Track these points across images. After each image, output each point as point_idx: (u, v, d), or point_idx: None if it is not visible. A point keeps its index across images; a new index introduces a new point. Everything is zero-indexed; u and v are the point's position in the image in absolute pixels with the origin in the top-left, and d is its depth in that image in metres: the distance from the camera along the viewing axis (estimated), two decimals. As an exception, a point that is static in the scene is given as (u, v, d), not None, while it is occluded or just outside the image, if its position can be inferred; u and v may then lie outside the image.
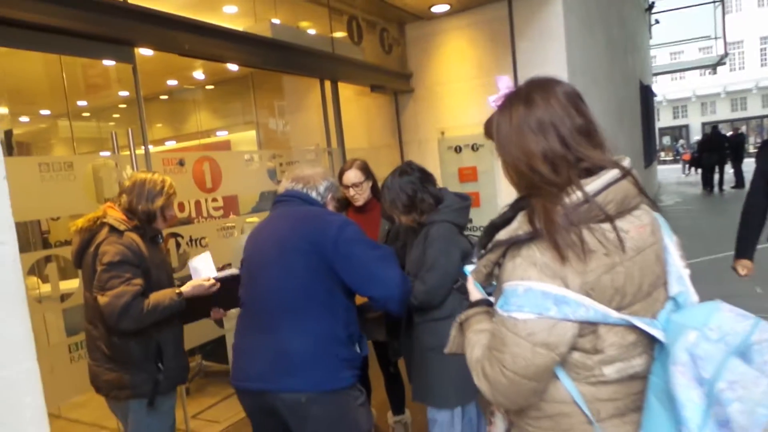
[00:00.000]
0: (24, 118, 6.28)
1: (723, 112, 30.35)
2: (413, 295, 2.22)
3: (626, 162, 1.13)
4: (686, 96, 31.62)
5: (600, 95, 6.85)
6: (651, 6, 15.37)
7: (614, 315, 1.05)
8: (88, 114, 6.74)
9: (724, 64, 18.28)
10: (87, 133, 6.62)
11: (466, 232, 2.50)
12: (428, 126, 5.92)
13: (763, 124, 29.19)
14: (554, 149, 1.09)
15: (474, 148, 5.65)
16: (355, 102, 5.90)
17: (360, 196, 2.96)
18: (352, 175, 2.95)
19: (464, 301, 2.47)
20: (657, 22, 16.87)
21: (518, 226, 1.11)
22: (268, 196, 4.96)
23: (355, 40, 5.20)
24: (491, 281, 1.24)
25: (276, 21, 4.49)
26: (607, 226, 1.06)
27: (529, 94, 1.14)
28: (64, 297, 2.79)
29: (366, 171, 3.00)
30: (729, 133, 17.01)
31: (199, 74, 6.54)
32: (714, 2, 17.45)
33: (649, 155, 13.67)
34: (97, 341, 2.25)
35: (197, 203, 5.36)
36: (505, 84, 1.23)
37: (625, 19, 10.08)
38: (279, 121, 7.12)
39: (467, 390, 2.30)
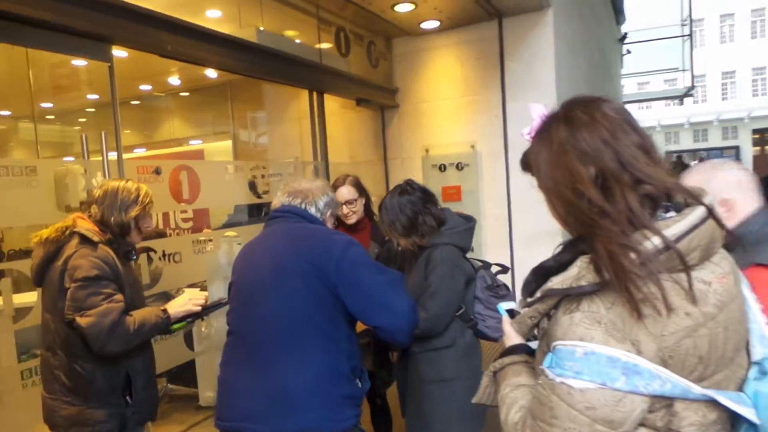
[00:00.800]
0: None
1: (686, 142, 31.42)
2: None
3: (707, 196, 0.93)
4: (651, 125, 32.64)
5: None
6: (624, 36, 15.80)
7: (696, 390, 0.86)
8: (52, 117, 6.38)
9: (692, 95, 18.88)
10: (52, 136, 6.25)
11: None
12: (412, 143, 5.78)
13: (722, 155, 30.34)
14: (606, 168, 0.91)
15: (459, 167, 5.54)
16: (339, 116, 5.73)
17: (353, 214, 2.80)
18: (346, 192, 2.78)
19: (467, 329, 2.35)
20: (629, 52, 17.34)
21: (579, 273, 0.91)
22: (243, 209, 4.73)
23: (342, 52, 5.05)
24: (534, 334, 1.06)
25: (262, 28, 4.30)
26: (685, 277, 0.86)
27: (569, 112, 0.97)
28: (17, 315, 2.49)
29: (359, 188, 2.85)
30: (693, 162, 17.57)
31: (174, 80, 6.27)
32: (682, 36, 18.09)
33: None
34: (55, 370, 1.97)
35: (165, 215, 5.09)
36: (538, 112, 1.07)
37: (603, 48, 10.25)
38: (257, 133, 6.89)
39: (470, 427, 2.17)
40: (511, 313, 1.22)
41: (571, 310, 0.89)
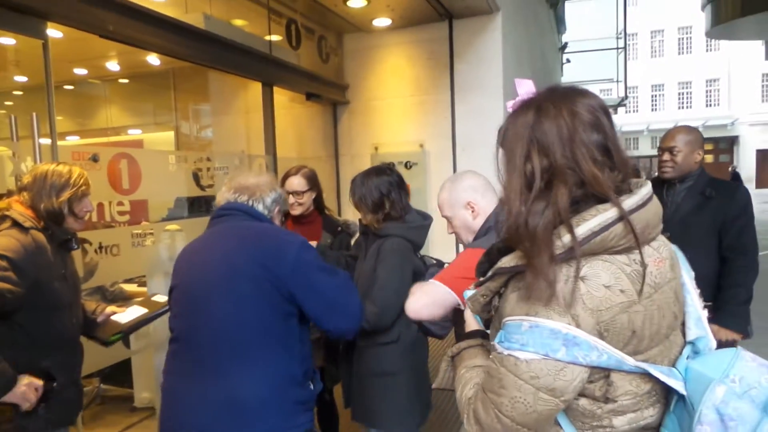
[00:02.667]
0: None
1: (618, 150, 33.14)
2: (365, 318, 1.96)
3: (645, 189, 0.98)
4: (587, 133, 34.00)
5: (526, 124, 7.08)
6: (564, 46, 16.42)
7: (630, 362, 0.93)
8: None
9: (624, 105, 19.89)
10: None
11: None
12: (362, 140, 5.77)
13: (651, 163, 32.20)
14: (556, 164, 0.95)
15: (407, 165, 5.57)
16: (288, 110, 5.63)
17: (299, 205, 2.75)
18: (296, 182, 2.74)
19: (412, 324, 2.31)
20: (568, 61, 18.03)
21: (522, 254, 0.96)
22: (185, 203, 4.55)
23: (293, 45, 4.97)
24: (489, 312, 1.09)
25: (209, 14, 4.16)
26: (623, 258, 0.93)
27: (542, 102, 1.01)
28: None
29: (312, 181, 2.80)
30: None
31: (113, 65, 5.96)
32: (617, 49, 19.03)
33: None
34: None
35: (99, 206, 4.83)
36: (525, 89, 1.09)
37: (545, 56, 10.62)
38: (200, 124, 6.66)
39: (412, 414, 2.23)
40: None
41: (518, 287, 0.95)
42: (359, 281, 2.21)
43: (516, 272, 0.96)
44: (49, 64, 2.68)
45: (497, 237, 1.62)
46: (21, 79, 5.36)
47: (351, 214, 5.77)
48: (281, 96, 5.16)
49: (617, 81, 19.29)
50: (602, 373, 0.93)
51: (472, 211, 1.76)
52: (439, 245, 5.48)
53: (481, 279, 1.05)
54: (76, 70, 5.91)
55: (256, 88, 4.81)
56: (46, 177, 1.90)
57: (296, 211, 2.75)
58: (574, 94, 1.01)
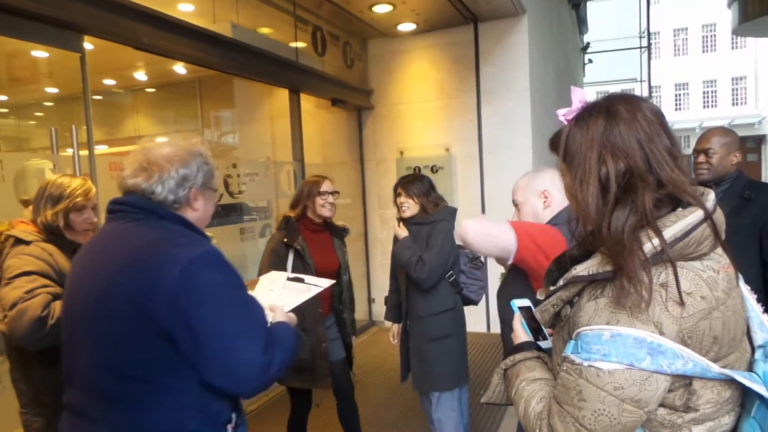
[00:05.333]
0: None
1: (641, 151, 32.62)
2: (414, 269, 2.60)
3: (711, 194, 0.99)
4: (609, 133, 33.50)
5: (551, 126, 6.99)
6: (587, 46, 16.23)
7: (715, 369, 0.91)
8: (9, 109, 6.06)
9: (648, 105, 19.56)
10: (8, 131, 5.93)
11: None
12: (387, 145, 5.77)
13: (675, 164, 31.69)
14: (635, 167, 0.95)
15: (433, 169, 5.55)
16: (313, 116, 5.66)
17: (333, 207, 2.75)
18: (330, 185, 2.74)
19: (456, 295, 2.75)
20: (590, 61, 17.83)
21: (602, 259, 0.95)
22: (217, 210, 4.59)
23: (318, 52, 4.99)
24: (558, 323, 1.06)
25: (237, 23, 4.20)
26: (698, 264, 0.93)
27: (611, 105, 1.00)
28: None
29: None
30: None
31: (140, 75, 6.06)
32: (640, 48, 18.75)
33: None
34: (17, 383, 1.85)
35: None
36: (579, 97, 1.08)
37: (567, 57, 10.50)
38: (226, 131, 6.73)
39: (464, 372, 2.77)
40: (526, 310, 1.21)
41: (596, 296, 0.93)
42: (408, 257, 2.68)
43: (593, 280, 0.94)
44: (86, 76, 2.74)
45: (568, 242, 1.61)
46: (57, 91, 5.47)
47: (377, 218, 5.75)
48: (307, 102, 5.19)
49: (641, 81, 19.01)
50: (683, 381, 0.91)
51: (545, 201, 1.77)
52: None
53: (552, 288, 1.03)
54: (104, 80, 6.02)
55: (281, 95, 4.85)
56: (45, 189, 1.90)
57: (329, 213, 2.74)
58: (637, 98, 1.02)
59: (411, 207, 2.75)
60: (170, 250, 1.20)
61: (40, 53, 4.17)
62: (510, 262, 1.64)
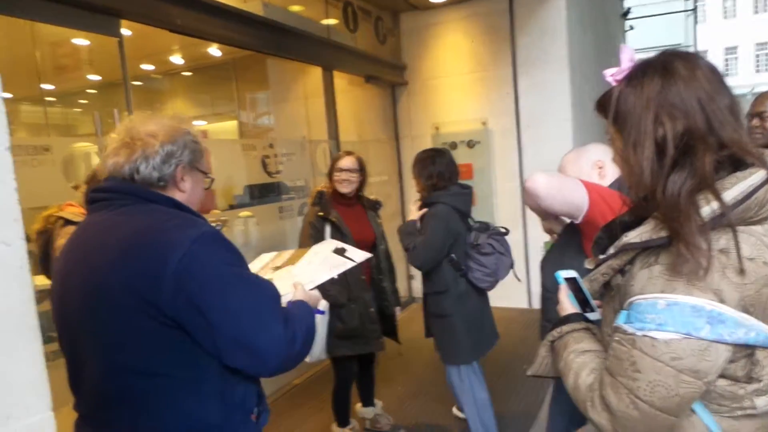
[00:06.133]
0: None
1: (687, 120, 31.31)
2: (410, 256, 2.69)
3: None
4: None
5: (591, 95, 6.76)
6: (627, 12, 15.56)
7: None
8: (57, 97, 6.26)
9: (695, 71, 18.70)
10: (56, 118, 6.14)
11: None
12: (422, 121, 5.70)
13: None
14: (695, 128, 0.89)
15: (470, 144, 5.46)
16: (347, 93, 5.63)
17: (350, 183, 2.83)
18: (349, 161, 2.84)
19: (459, 278, 2.72)
20: (632, 28, 17.09)
21: (656, 225, 0.91)
22: (252, 190, 4.66)
23: (350, 28, 4.94)
24: (607, 293, 1.03)
25: (267, 2, 4.19)
26: (759, 228, 0.87)
27: (668, 63, 0.94)
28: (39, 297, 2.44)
29: (362, 165, 2.90)
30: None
31: (177, 59, 6.15)
32: (686, 12, 17.86)
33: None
34: None
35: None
36: (629, 55, 1.02)
37: (608, 23, 10.09)
38: (262, 112, 6.78)
39: (465, 350, 2.74)
40: (572, 281, 1.18)
41: (650, 263, 0.89)
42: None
43: (647, 247, 0.90)
44: (125, 60, 2.79)
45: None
46: (97, 77, 5.60)
47: (414, 196, 5.72)
48: (340, 80, 5.16)
49: (686, 46, 18.15)
50: (746, 351, 0.87)
51: (600, 171, 1.70)
52: (504, 225, 5.35)
53: (602, 256, 0.99)
54: (143, 65, 6.13)
55: (315, 74, 4.83)
56: (95, 173, 1.93)
57: (345, 189, 2.81)
58: (695, 55, 0.96)
59: (419, 186, 2.80)
60: (167, 234, 1.11)
61: (81, 41, 4.28)
62: (579, 221, 1.58)
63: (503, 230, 2.85)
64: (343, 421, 3.04)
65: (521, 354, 4.14)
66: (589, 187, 1.56)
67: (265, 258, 1.78)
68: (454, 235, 2.67)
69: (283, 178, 4.26)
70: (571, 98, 5.01)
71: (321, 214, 2.71)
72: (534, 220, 5.25)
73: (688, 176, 0.88)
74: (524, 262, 5.13)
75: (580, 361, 1.03)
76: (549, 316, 1.73)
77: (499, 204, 5.40)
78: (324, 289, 2.10)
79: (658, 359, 0.85)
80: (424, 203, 2.73)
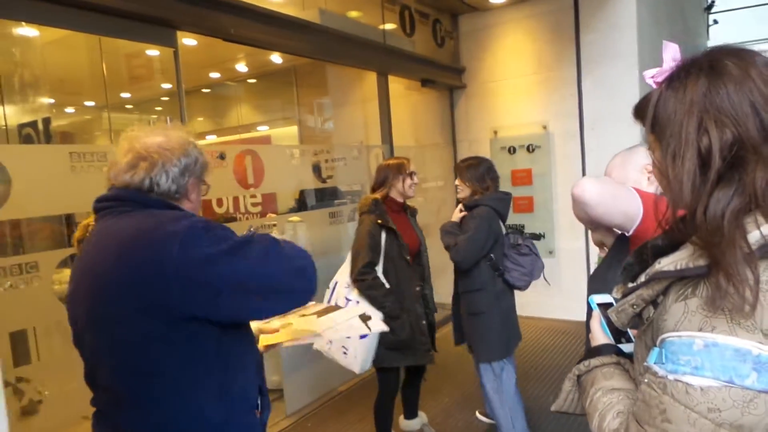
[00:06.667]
0: (68, 109, 6.22)
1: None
2: (451, 253, 2.77)
3: None
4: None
5: (665, 96, 6.36)
6: (711, 5, 14.56)
7: None
8: (130, 106, 6.63)
9: (789, 67, 17.21)
10: (126, 125, 6.50)
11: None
12: (480, 125, 5.56)
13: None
14: (747, 137, 0.75)
15: (529, 149, 5.26)
16: (404, 98, 5.59)
17: (416, 188, 2.87)
18: (412, 165, 2.85)
19: (497, 277, 2.81)
20: (716, 22, 16.00)
21: (694, 251, 0.77)
22: (306, 195, 4.71)
23: (407, 32, 4.89)
24: (633, 326, 0.91)
25: (324, 9, 4.22)
26: None
27: (716, 61, 0.80)
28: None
29: None
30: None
31: (241, 67, 6.36)
32: (778, 2, 16.48)
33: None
34: None
35: (235, 199, 5.19)
36: (672, 54, 0.89)
37: (686, 18, 9.46)
38: (321, 117, 6.88)
39: (500, 347, 2.85)
40: (606, 307, 1.06)
41: (686, 295, 0.76)
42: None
43: (682, 277, 0.78)
44: (179, 70, 2.87)
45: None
46: (166, 86, 5.88)
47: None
48: (397, 84, 5.13)
49: (779, 39, 16.75)
50: None
51: (649, 178, 1.54)
52: (565, 232, 5.12)
53: (632, 285, 0.87)
54: (210, 74, 6.39)
55: (372, 78, 4.82)
56: None
57: (413, 193, 2.85)
58: (749, 52, 0.81)
59: (463, 190, 2.91)
60: (163, 228, 1.14)
61: (151, 51, 4.50)
62: (631, 233, 1.43)
63: (538, 234, 3.17)
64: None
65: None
66: (644, 196, 1.40)
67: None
68: (494, 236, 2.80)
69: (336, 182, 4.27)
70: (640, 97, 4.71)
71: (380, 222, 2.68)
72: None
73: (735, 194, 0.74)
74: (586, 271, 4.87)
75: (607, 401, 0.91)
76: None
77: (559, 210, 5.15)
78: (379, 301, 2.56)
79: (693, 409, 0.72)
80: (467, 206, 2.85)
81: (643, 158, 1.60)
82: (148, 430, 1.18)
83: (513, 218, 5.36)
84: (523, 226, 5.32)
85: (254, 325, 1.55)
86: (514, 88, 5.34)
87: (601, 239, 1.75)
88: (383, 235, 2.67)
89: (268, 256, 1.18)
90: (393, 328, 2.60)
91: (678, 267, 0.78)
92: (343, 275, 2.74)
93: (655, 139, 0.86)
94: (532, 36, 5.20)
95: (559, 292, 5.16)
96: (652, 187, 1.56)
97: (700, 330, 0.73)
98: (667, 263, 0.80)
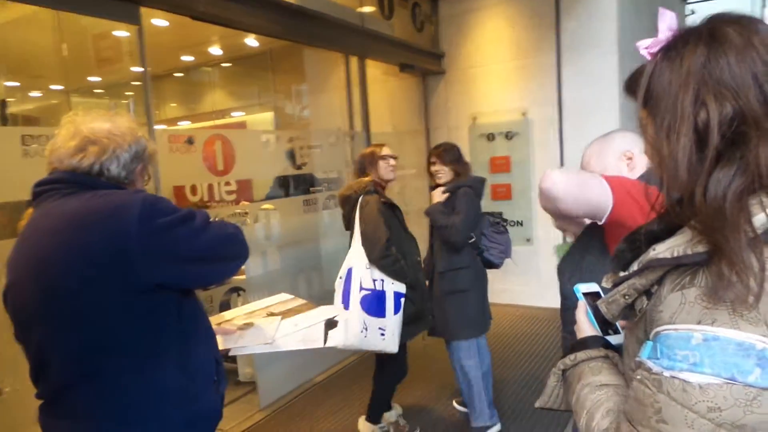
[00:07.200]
0: (28, 92, 5.95)
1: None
2: (450, 233, 2.86)
3: None
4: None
5: (643, 84, 6.36)
6: (688, -5, 14.70)
7: None
8: (97, 90, 6.39)
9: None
10: (90, 110, 6.25)
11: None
12: (459, 111, 5.48)
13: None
14: (748, 109, 0.68)
15: (508, 136, 5.21)
16: (382, 83, 5.48)
17: (394, 170, 2.89)
18: (390, 150, 2.90)
19: (476, 256, 2.90)
20: (693, 12, 16.19)
21: (693, 237, 0.71)
22: (280, 182, 4.59)
23: (385, 15, 4.77)
24: (630, 316, 0.84)
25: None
26: None
27: (717, 29, 0.73)
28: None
29: None
30: None
31: (215, 50, 6.16)
32: (753, -6, 16.74)
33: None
34: None
35: (209, 186, 5.04)
36: (669, 23, 0.81)
37: (666, 8, 9.50)
38: (298, 103, 6.73)
39: (478, 324, 3.01)
40: (593, 296, 0.99)
41: (683, 285, 0.70)
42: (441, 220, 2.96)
43: (679, 264, 0.72)
44: (144, 49, 2.72)
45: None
46: (127, 68, 5.67)
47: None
48: (375, 69, 5.01)
49: (753, 31, 17.04)
50: None
51: (629, 162, 1.50)
52: (543, 220, 5.10)
53: (624, 274, 0.81)
54: (182, 57, 6.17)
55: (350, 64, 4.70)
56: None
57: (392, 175, 2.88)
58: (752, 19, 0.74)
59: (445, 174, 2.98)
60: (115, 202, 1.15)
61: (119, 33, 4.30)
62: (603, 221, 1.37)
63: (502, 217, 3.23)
64: (376, 418, 2.94)
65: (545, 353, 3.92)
66: (614, 183, 1.33)
67: (274, 299, 1.97)
68: (478, 216, 2.95)
69: (312, 169, 4.16)
70: (619, 87, 4.68)
71: (384, 200, 2.73)
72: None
73: (737, 173, 0.68)
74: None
75: (595, 398, 0.85)
76: (570, 328, 1.54)
77: (537, 198, 5.12)
78: (405, 273, 2.67)
79: (691, 409, 0.67)
80: (449, 189, 2.93)
81: (621, 144, 1.54)
82: (109, 409, 1.16)
83: (491, 205, 5.32)
84: (501, 214, 5.28)
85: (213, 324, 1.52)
86: (494, 74, 5.28)
87: (563, 226, 1.68)
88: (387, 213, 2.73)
89: (209, 225, 1.24)
90: (412, 299, 2.68)
91: (675, 254, 0.71)
92: (357, 259, 2.62)
93: (648, 114, 0.79)
94: (513, 22, 5.12)
95: (537, 280, 5.15)
96: (633, 173, 1.51)
97: (699, 323, 0.67)
98: (662, 250, 0.74)
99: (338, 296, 2.58)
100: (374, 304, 2.51)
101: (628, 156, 1.51)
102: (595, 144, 1.61)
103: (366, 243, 2.60)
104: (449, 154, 3.00)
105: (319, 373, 3.93)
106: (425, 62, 5.25)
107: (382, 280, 2.58)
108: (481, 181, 3.05)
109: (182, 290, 1.24)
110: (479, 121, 5.37)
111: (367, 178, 2.78)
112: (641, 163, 1.50)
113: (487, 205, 5.29)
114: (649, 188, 1.27)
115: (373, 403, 2.91)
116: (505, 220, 3.17)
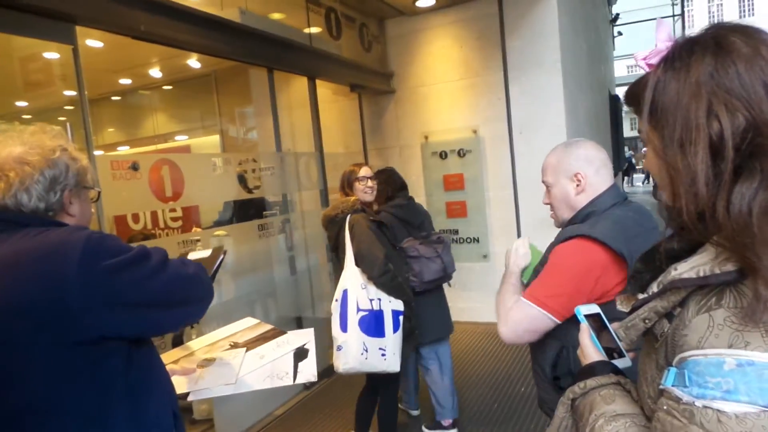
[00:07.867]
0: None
1: (677, 125, 31.41)
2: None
3: None
4: (642, 108, 32.22)
5: (584, 101, 6.59)
6: (616, 18, 15.55)
7: None
8: (27, 116, 6.00)
9: (684, 76, 18.78)
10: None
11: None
12: (411, 130, 5.49)
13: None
14: (761, 120, 0.66)
15: (460, 153, 5.25)
16: (332, 103, 5.42)
17: (372, 191, 2.85)
18: (367, 171, 2.86)
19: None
20: (620, 33, 17.11)
21: (718, 254, 0.67)
22: (231, 207, 4.41)
23: (333, 35, 4.73)
24: (647, 341, 0.79)
25: (245, 9, 3.97)
26: None
27: (722, 38, 0.70)
28: None
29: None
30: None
31: (155, 72, 5.92)
32: (673, 17, 17.92)
33: (618, 164, 13.71)
34: None
35: (153, 214, 4.78)
36: (666, 33, 0.79)
37: (598, 28, 9.98)
38: (245, 126, 6.55)
39: (447, 327, 3.16)
40: (594, 318, 0.94)
41: (709, 306, 0.66)
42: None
43: (705, 284, 0.67)
44: (80, 69, 2.54)
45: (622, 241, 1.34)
46: (61, 92, 5.37)
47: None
48: (326, 89, 4.94)
49: (675, 51, 18.23)
50: None
51: (578, 185, 1.53)
52: (498, 235, 5.13)
53: (643, 296, 0.76)
54: (121, 80, 5.90)
55: (299, 84, 4.62)
56: None
57: (369, 197, 2.83)
58: (753, 29, 0.72)
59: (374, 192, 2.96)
60: (52, 242, 1.01)
61: (51, 55, 4.04)
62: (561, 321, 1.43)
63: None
64: None
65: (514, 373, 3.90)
66: (545, 301, 1.42)
67: (240, 326, 1.82)
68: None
69: (263, 193, 4.01)
70: (564, 103, 4.81)
71: (372, 218, 2.70)
72: (530, 230, 5.06)
73: (761, 187, 0.64)
74: (521, 275, 4.90)
75: (612, 430, 0.79)
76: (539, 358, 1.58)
77: (492, 214, 5.17)
78: (404, 288, 2.62)
79: None
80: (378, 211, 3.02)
81: (575, 164, 1.54)
82: None
83: (447, 223, 5.31)
84: (456, 231, 5.29)
85: (169, 365, 1.40)
86: (444, 93, 5.32)
87: None
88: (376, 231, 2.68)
89: (166, 264, 1.12)
90: (408, 316, 2.62)
91: (701, 273, 0.67)
92: (351, 280, 2.52)
93: (653, 128, 0.74)
94: (460, 41, 5.20)
95: (494, 296, 5.15)
96: (579, 197, 1.53)
97: (731, 347, 0.62)
98: (685, 269, 0.69)
99: (335, 319, 2.46)
100: (373, 324, 2.43)
101: (578, 178, 1.53)
102: (553, 155, 1.61)
103: (363, 262, 2.51)
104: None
105: (279, 406, 3.74)
106: (375, 82, 5.24)
107: (379, 300, 2.49)
108: (402, 205, 3.12)
109: (134, 339, 1.10)
110: (431, 140, 5.38)
111: (353, 197, 2.74)
112: (592, 183, 1.52)
113: (442, 222, 5.30)
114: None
115: (384, 429, 2.76)
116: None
